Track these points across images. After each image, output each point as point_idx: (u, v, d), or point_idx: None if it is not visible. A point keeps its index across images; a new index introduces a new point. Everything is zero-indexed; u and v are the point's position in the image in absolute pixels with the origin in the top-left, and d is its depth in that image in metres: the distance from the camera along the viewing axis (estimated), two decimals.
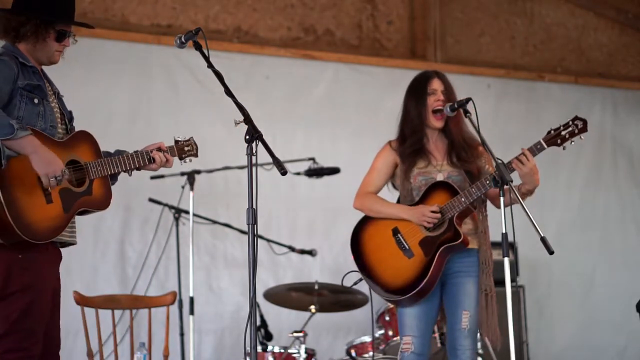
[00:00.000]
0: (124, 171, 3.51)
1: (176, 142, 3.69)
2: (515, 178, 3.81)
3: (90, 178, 3.36)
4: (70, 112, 3.57)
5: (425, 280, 3.87)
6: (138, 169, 3.56)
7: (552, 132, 3.87)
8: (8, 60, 3.25)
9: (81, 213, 3.38)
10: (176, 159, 3.68)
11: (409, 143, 4.07)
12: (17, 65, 3.26)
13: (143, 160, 3.53)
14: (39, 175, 3.14)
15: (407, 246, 3.96)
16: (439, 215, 3.91)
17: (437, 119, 4.05)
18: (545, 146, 3.85)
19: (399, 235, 3.99)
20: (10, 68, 3.22)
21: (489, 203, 4.08)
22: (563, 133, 3.86)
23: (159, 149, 3.59)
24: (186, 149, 3.70)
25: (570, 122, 3.87)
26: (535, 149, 3.84)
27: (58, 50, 3.45)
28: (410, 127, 4.09)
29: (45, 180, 3.14)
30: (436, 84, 4.08)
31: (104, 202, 3.43)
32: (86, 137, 3.48)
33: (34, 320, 3.20)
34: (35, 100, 3.29)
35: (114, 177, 3.57)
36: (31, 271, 3.19)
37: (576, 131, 3.86)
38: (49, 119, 3.32)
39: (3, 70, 3.20)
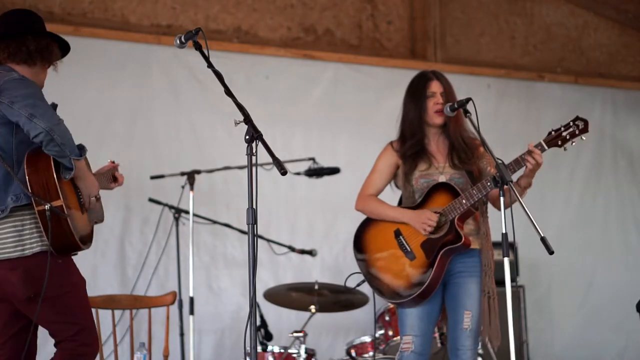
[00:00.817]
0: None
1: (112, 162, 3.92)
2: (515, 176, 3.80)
3: None
4: None
5: (427, 283, 3.86)
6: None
7: (553, 132, 3.84)
8: (37, 85, 3.41)
9: None
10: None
11: (409, 144, 4.06)
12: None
13: (108, 179, 3.78)
14: (86, 195, 3.44)
15: (408, 248, 3.95)
16: (435, 219, 3.90)
17: (438, 115, 4.03)
18: (546, 147, 3.83)
19: (401, 237, 3.98)
20: (41, 91, 3.39)
21: (489, 204, 4.08)
22: (564, 134, 3.83)
23: (114, 169, 3.84)
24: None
25: (571, 123, 3.84)
26: None
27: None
28: (410, 129, 4.08)
29: (88, 200, 3.45)
30: (435, 87, 4.06)
31: (102, 215, 3.69)
32: None
33: (90, 314, 3.42)
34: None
35: None
36: (73, 273, 3.41)
37: (577, 132, 3.82)
38: None
39: (40, 91, 3.39)
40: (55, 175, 3.28)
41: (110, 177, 3.79)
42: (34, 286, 3.28)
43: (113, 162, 3.87)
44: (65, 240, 3.30)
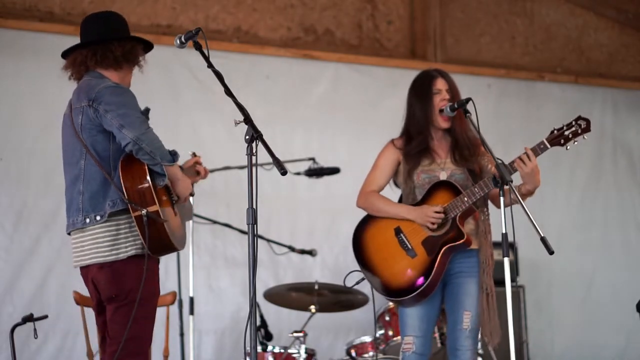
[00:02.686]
0: None
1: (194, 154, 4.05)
2: (517, 178, 3.80)
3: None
4: None
5: (428, 280, 3.86)
6: None
7: (555, 132, 3.85)
8: (130, 90, 3.52)
9: None
10: None
11: (415, 143, 4.05)
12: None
13: (193, 174, 3.89)
14: (182, 197, 3.56)
15: (409, 246, 3.95)
16: (442, 215, 3.90)
17: (444, 119, 4.03)
18: (549, 146, 3.84)
19: (401, 234, 3.98)
20: (134, 96, 3.49)
21: (490, 203, 4.07)
22: (566, 133, 3.83)
23: (197, 163, 3.95)
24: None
25: (574, 122, 3.84)
26: (539, 149, 3.83)
27: None
28: (417, 128, 4.07)
29: (183, 201, 3.58)
30: (440, 84, 4.07)
31: (191, 214, 3.90)
32: None
33: (149, 326, 3.45)
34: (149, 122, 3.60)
35: None
36: (155, 281, 3.48)
37: (579, 131, 3.83)
38: None
39: (133, 98, 3.48)
40: (151, 182, 3.36)
41: (194, 171, 3.89)
42: (117, 287, 3.38)
43: (195, 155, 3.98)
44: (162, 243, 3.40)
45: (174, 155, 3.45)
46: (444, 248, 3.89)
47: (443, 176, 4.01)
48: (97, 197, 3.40)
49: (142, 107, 3.70)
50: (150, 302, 3.42)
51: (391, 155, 4.12)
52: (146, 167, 3.37)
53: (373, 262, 4.02)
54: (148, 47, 3.69)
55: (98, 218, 3.38)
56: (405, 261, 3.94)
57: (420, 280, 3.88)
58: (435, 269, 3.87)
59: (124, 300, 3.36)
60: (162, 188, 3.44)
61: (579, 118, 3.86)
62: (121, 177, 3.36)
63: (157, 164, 3.36)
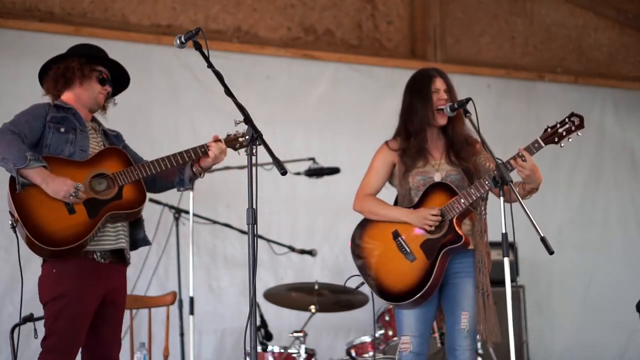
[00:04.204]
0: (158, 171, 3.90)
1: (228, 135, 3.97)
2: (515, 175, 3.79)
3: (118, 185, 3.72)
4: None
5: (428, 284, 3.84)
6: (194, 162, 3.94)
7: (549, 129, 3.83)
8: (41, 104, 3.73)
9: (120, 218, 3.77)
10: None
11: (414, 142, 4.04)
12: (49, 106, 3.71)
13: (188, 156, 3.90)
14: (62, 197, 3.53)
15: (408, 249, 3.93)
16: (439, 217, 3.90)
17: (442, 116, 4.02)
18: (543, 144, 3.82)
19: (399, 238, 3.96)
20: (40, 108, 3.70)
21: (491, 200, 4.05)
22: (560, 130, 3.82)
23: (214, 141, 3.92)
24: (240, 139, 3.94)
25: (567, 119, 3.83)
26: (533, 148, 3.81)
27: (101, 92, 3.88)
28: (416, 126, 4.06)
29: (67, 199, 3.54)
30: (439, 83, 4.06)
31: (134, 203, 3.82)
32: (113, 152, 3.84)
33: (67, 324, 3.54)
34: (62, 129, 3.68)
35: (180, 180, 4.03)
36: (62, 283, 3.56)
37: (573, 128, 3.81)
38: (79, 145, 3.69)
39: (34, 111, 3.69)
40: (9, 191, 3.51)
41: (199, 150, 3.89)
42: (40, 295, 3.63)
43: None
44: (37, 247, 3.52)
45: (25, 159, 3.47)
46: (443, 251, 3.88)
47: (438, 177, 3.99)
48: None
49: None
50: (62, 300, 3.53)
51: (386, 157, 4.11)
52: (9, 178, 3.52)
53: (372, 266, 3.99)
54: (95, 57, 3.90)
55: None
56: (405, 265, 3.92)
57: (420, 284, 3.87)
58: (434, 272, 3.86)
59: (42, 302, 3.61)
60: (39, 190, 3.51)
61: (572, 115, 3.84)
62: None
63: (11, 170, 3.48)
